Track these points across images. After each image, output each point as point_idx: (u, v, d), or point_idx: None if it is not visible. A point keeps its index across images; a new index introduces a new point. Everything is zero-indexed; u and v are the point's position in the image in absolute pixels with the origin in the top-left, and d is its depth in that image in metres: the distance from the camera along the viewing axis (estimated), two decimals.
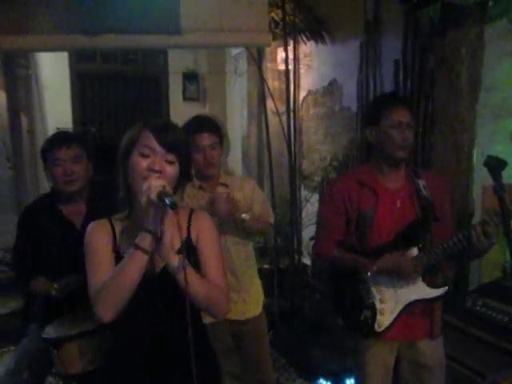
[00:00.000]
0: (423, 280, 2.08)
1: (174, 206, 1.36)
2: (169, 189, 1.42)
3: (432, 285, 2.09)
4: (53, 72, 5.85)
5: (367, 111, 2.37)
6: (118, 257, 1.52)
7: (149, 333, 1.55)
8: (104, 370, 1.69)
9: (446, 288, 2.09)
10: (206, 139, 2.35)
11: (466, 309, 2.68)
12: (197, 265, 1.61)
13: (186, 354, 1.54)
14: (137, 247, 1.42)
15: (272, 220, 2.58)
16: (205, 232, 1.64)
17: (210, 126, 2.41)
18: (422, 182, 2.17)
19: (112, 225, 1.58)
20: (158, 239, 1.43)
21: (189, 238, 1.61)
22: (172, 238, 1.44)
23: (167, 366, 1.57)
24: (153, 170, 1.45)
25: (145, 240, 1.42)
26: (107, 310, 1.44)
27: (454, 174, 3.07)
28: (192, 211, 1.68)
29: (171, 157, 1.49)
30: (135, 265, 1.43)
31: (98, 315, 1.45)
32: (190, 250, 1.59)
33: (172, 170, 1.49)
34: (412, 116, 2.16)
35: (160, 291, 1.53)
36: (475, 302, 2.68)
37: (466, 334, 2.61)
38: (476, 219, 3.08)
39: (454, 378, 2.18)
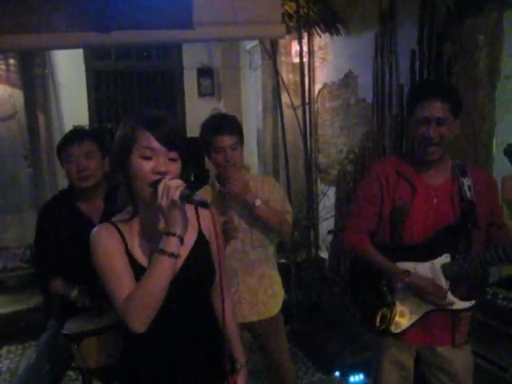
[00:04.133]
0: (450, 289, 1.96)
1: (206, 204, 1.33)
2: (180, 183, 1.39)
3: (459, 296, 1.97)
4: (68, 70, 5.91)
5: (407, 101, 2.12)
6: (132, 261, 1.48)
7: (166, 329, 1.53)
8: (122, 364, 1.70)
9: (474, 302, 1.97)
10: (226, 140, 2.28)
11: (486, 302, 2.63)
12: (208, 255, 1.60)
13: (200, 350, 1.55)
14: (163, 252, 1.37)
15: (290, 218, 2.48)
16: (211, 226, 1.59)
17: (231, 126, 2.34)
18: (467, 182, 1.99)
19: (117, 228, 1.51)
20: (182, 240, 1.39)
21: (203, 234, 1.60)
22: None
23: (183, 361, 1.56)
24: (159, 173, 1.39)
25: (171, 244, 1.37)
26: (141, 322, 1.38)
27: (472, 164, 3.02)
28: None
29: (173, 154, 1.43)
30: (165, 271, 1.37)
31: (131, 328, 1.39)
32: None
33: (176, 168, 1.44)
34: (447, 107, 1.91)
35: (176, 291, 1.49)
36: (496, 294, 2.64)
37: (487, 327, 2.57)
38: None
39: (475, 371, 2.12)
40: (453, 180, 2.03)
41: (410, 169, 2.05)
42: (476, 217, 1.96)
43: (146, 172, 1.40)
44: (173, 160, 1.43)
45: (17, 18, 3.25)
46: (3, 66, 4.95)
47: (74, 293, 2.21)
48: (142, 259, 1.50)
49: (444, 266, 1.96)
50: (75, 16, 3.22)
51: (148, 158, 1.40)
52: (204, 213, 1.58)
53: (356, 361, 3.37)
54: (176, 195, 1.33)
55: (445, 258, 1.97)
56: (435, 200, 2.00)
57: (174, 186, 1.34)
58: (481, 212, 1.98)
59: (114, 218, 1.53)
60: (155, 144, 1.40)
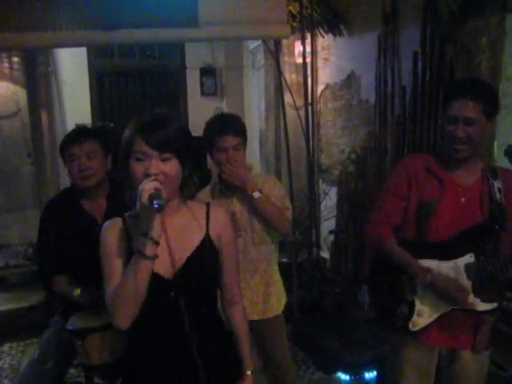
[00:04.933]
0: (473, 291, 1.93)
1: (160, 208, 1.32)
2: (167, 191, 1.41)
3: (481, 297, 1.94)
4: (72, 69, 5.91)
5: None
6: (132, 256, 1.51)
7: (165, 330, 1.55)
8: (125, 361, 1.71)
9: (496, 304, 1.95)
10: (230, 141, 2.30)
11: (505, 307, 2.61)
12: (214, 263, 1.60)
13: (201, 353, 1.54)
14: (139, 253, 1.40)
15: (289, 215, 2.49)
16: (226, 231, 1.62)
17: (236, 127, 2.35)
18: (497, 184, 1.97)
19: (125, 223, 1.55)
20: (156, 243, 1.41)
21: (210, 239, 1.59)
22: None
23: (186, 360, 1.56)
24: (148, 175, 1.41)
25: (144, 246, 1.40)
26: (122, 319, 1.44)
27: None
28: (209, 206, 1.64)
29: (166, 155, 1.44)
30: (140, 272, 1.41)
31: (115, 324, 1.46)
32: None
33: (170, 168, 1.44)
34: (479, 108, 1.89)
35: (176, 297, 1.51)
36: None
37: (503, 334, 2.55)
38: None
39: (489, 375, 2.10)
40: (483, 181, 2.01)
41: (440, 166, 2.04)
42: (505, 219, 1.94)
43: (138, 174, 1.43)
44: (166, 160, 1.44)
45: (21, 17, 3.26)
46: (7, 64, 4.98)
47: (78, 291, 2.22)
48: None
49: (467, 266, 1.94)
50: (80, 14, 3.23)
51: (141, 160, 1.44)
52: (217, 217, 1.61)
53: (358, 360, 3.38)
54: (144, 197, 1.34)
55: (469, 258, 1.95)
56: (463, 199, 1.99)
57: (146, 189, 1.35)
58: (510, 215, 1.96)
59: (127, 213, 1.56)
60: (146, 148, 1.43)
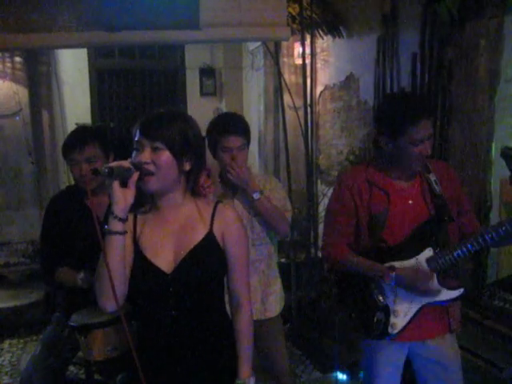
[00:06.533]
0: (439, 282, 2.00)
1: (109, 173, 1.36)
2: (159, 181, 1.47)
3: (448, 287, 2.01)
4: (72, 68, 5.94)
5: (383, 119, 2.07)
6: (137, 250, 1.55)
7: (163, 326, 1.58)
8: (128, 357, 1.74)
9: (462, 290, 2.02)
10: (235, 141, 2.32)
11: (483, 302, 2.67)
12: (215, 260, 1.60)
13: (207, 344, 1.59)
14: (107, 230, 1.44)
15: (289, 217, 2.50)
16: (231, 230, 1.61)
17: (240, 127, 2.37)
18: (433, 177, 2.06)
19: (135, 218, 1.60)
20: (120, 220, 1.44)
21: (213, 236, 1.60)
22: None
23: (187, 358, 1.60)
24: (139, 163, 1.46)
25: (111, 222, 1.44)
26: (103, 298, 1.48)
27: (472, 168, 3.06)
28: (217, 203, 1.65)
29: (156, 144, 1.47)
30: (112, 249, 1.44)
31: (100, 305, 1.49)
32: None
33: (161, 158, 1.48)
34: (432, 121, 2.00)
35: (174, 292, 1.55)
36: (493, 295, 2.67)
37: (483, 327, 2.60)
38: (494, 213, 3.07)
39: (471, 370, 2.15)
40: (420, 178, 2.09)
41: (380, 176, 2.09)
42: (449, 210, 2.03)
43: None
44: (157, 149, 1.48)
45: (23, 17, 3.29)
46: (9, 64, 4.99)
47: (81, 274, 2.23)
48: (146, 250, 1.56)
49: (428, 260, 2.00)
50: (82, 16, 3.25)
51: (137, 150, 1.49)
52: (223, 215, 1.62)
53: (355, 360, 3.40)
54: (103, 170, 1.37)
55: (428, 252, 2.01)
56: (410, 202, 2.06)
57: (112, 164, 1.39)
58: (453, 202, 2.06)
59: (139, 209, 1.60)
60: (140, 137, 1.49)
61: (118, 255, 1.45)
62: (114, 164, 1.39)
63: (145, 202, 1.60)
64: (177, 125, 1.52)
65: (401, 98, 2.22)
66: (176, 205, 1.58)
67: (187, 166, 1.54)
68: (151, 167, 1.46)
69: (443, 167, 2.17)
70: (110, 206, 1.45)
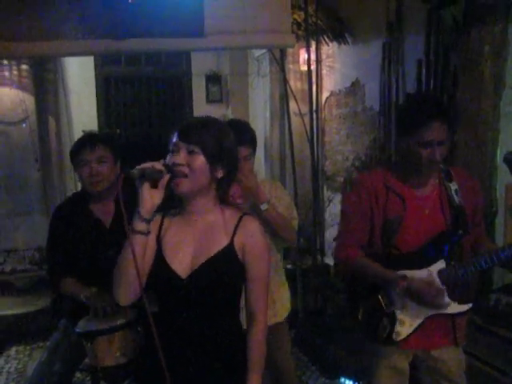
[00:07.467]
0: (449, 295, 1.97)
1: (142, 178, 1.41)
2: (190, 185, 1.49)
3: (458, 300, 1.99)
4: (79, 76, 5.97)
5: (399, 118, 2.09)
6: (159, 249, 1.58)
7: (180, 331, 1.58)
8: (136, 364, 1.74)
9: (471, 304, 2.00)
10: (242, 151, 2.26)
11: (488, 307, 2.66)
12: (232, 272, 1.59)
13: (216, 350, 1.58)
14: (132, 228, 1.47)
15: (296, 225, 2.48)
16: (252, 243, 1.59)
17: (248, 137, 2.35)
18: (453, 186, 2.02)
19: (163, 218, 1.63)
20: (145, 221, 1.47)
21: (232, 247, 1.59)
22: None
23: (195, 361, 1.59)
24: (174, 164, 1.49)
25: (135, 221, 1.47)
26: (120, 294, 1.53)
27: (477, 173, 3.05)
28: (243, 214, 1.64)
29: (192, 147, 1.50)
30: (130, 245, 1.45)
31: (116, 299, 1.55)
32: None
33: (196, 162, 1.50)
34: (446, 128, 1.92)
35: (187, 297, 1.55)
36: (498, 300, 2.66)
37: (489, 333, 2.59)
38: (499, 218, 3.06)
39: (476, 375, 2.14)
40: (440, 186, 2.06)
41: (398, 181, 2.06)
42: (466, 222, 2.00)
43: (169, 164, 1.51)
44: (193, 153, 1.50)
45: (30, 25, 3.31)
46: (15, 72, 5.03)
47: (85, 293, 2.23)
48: (165, 251, 1.58)
49: (440, 272, 1.97)
50: (88, 24, 3.28)
51: (173, 152, 1.52)
52: (246, 227, 1.61)
53: (360, 366, 3.38)
54: (136, 171, 1.42)
55: (440, 264, 1.98)
56: (427, 211, 2.03)
57: (144, 165, 1.44)
58: (470, 214, 2.03)
59: (169, 211, 1.64)
60: (176, 140, 1.52)
61: (137, 255, 1.47)
62: (146, 165, 1.43)
63: (175, 205, 1.62)
64: (214, 131, 1.54)
65: (418, 98, 2.21)
66: (203, 211, 1.59)
67: (220, 174, 1.56)
68: (185, 169, 1.48)
69: (465, 177, 2.12)
70: (117, 218, 1.47)
